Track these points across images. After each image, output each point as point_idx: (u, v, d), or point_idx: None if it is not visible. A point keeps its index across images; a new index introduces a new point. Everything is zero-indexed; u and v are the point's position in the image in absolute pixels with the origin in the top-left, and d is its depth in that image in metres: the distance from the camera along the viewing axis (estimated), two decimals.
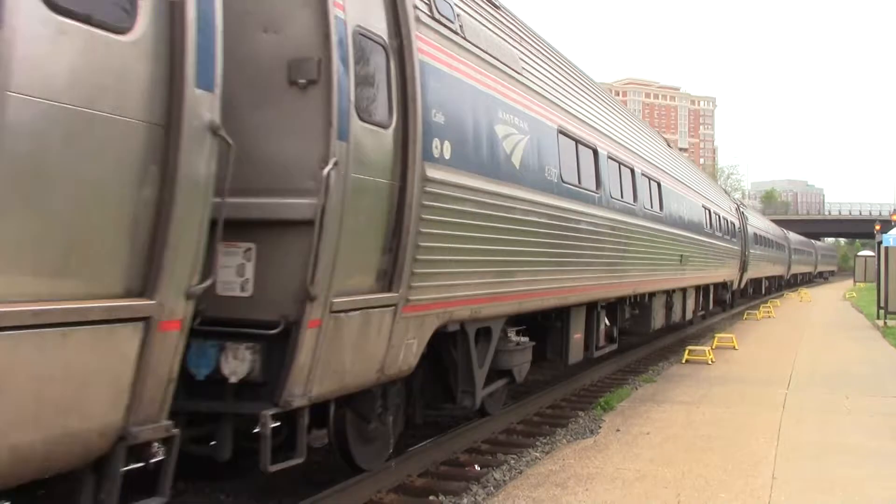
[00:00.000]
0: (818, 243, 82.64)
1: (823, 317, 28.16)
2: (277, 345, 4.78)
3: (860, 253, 68.67)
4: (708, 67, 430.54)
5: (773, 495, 6.23)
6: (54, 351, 3.18)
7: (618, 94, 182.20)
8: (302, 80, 4.89)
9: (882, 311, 24.24)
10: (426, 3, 6.13)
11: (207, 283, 3.99)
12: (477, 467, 7.30)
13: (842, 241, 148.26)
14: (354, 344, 5.26)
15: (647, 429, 8.69)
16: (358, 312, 5.24)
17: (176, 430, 3.95)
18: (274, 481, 6.74)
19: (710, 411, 9.72)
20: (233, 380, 4.77)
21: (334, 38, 4.91)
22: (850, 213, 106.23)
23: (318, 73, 4.87)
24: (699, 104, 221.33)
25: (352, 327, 5.20)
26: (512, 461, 7.46)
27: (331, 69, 4.88)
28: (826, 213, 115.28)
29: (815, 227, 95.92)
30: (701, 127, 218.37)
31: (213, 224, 4.03)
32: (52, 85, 3.14)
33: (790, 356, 15.45)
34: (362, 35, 5.28)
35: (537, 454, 7.80)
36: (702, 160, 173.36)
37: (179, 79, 3.67)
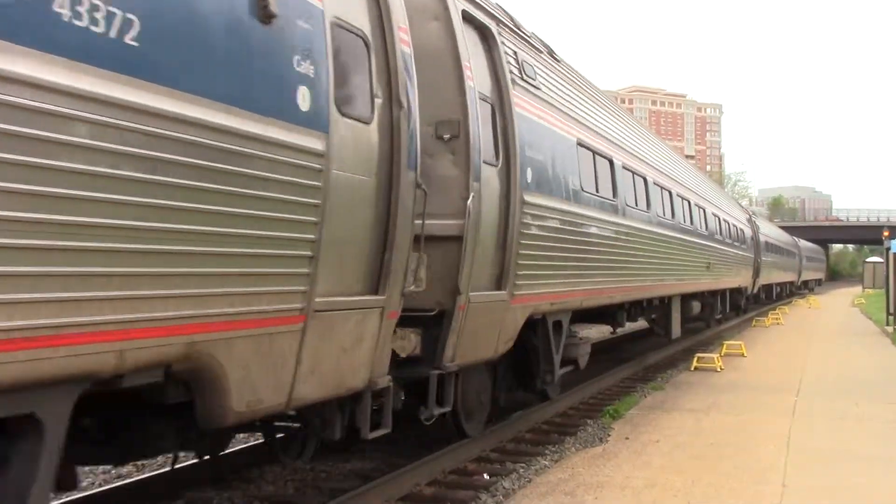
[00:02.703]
0: (803, 242, 60.62)
1: (832, 323, 28.07)
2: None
3: (868, 259, 68.04)
4: (714, 74, 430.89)
5: (784, 502, 6.21)
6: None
7: (624, 102, 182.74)
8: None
9: (892, 318, 24.16)
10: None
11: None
12: (486, 476, 7.28)
13: (850, 247, 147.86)
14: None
15: (656, 437, 8.68)
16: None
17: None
18: (283, 489, 6.76)
19: (719, 419, 9.70)
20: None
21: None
22: (858, 220, 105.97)
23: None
24: (705, 111, 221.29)
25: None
26: (521, 469, 7.44)
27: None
28: (834, 218, 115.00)
29: (822, 234, 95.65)
30: (707, 134, 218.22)
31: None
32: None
33: (799, 363, 15.40)
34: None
35: (546, 462, 7.78)
36: (708, 167, 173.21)
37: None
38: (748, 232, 27.27)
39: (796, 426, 9.19)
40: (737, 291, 25.00)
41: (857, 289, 67.05)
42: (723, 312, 23.23)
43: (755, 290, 29.83)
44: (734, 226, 23.76)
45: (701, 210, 18.06)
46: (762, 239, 31.38)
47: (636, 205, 12.14)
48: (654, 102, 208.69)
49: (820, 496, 6.41)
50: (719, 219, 20.89)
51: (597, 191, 10.09)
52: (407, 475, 6.77)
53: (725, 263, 21.19)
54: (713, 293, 20.54)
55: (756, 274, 28.37)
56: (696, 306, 18.38)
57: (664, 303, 15.12)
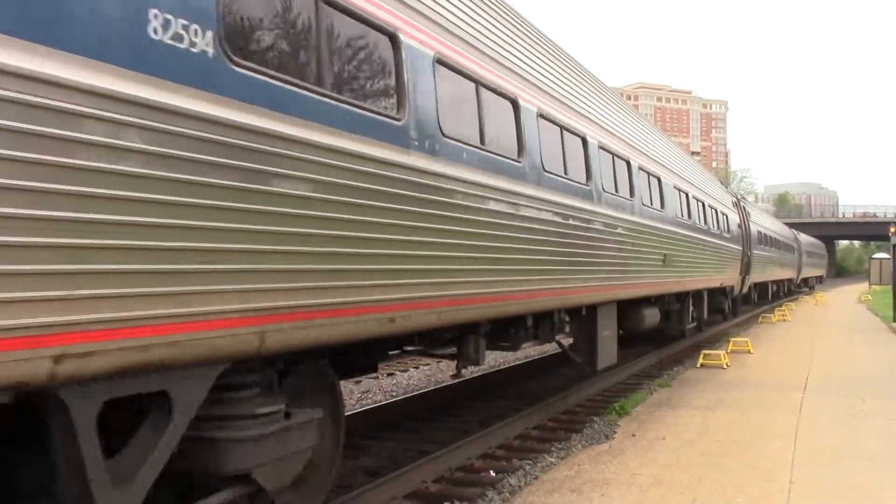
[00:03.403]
0: (803, 236, 53.99)
1: (839, 320, 27.99)
2: None
3: (875, 255, 67.77)
4: (719, 71, 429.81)
5: (791, 500, 6.19)
6: None
7: (629, 99, 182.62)
8: None
9: None
10: None
11: None
12: (492, 473, 7.30)
13: (856, 243, 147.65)
14: None
15: (662, 434, 8.67)
16: None
17: None
18: None
19: (725, 416, 9.68)
20: None
21: None
22: (865, 215, 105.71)
23: None
24: (711, 108, 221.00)
25: None
26: (527, 466, 7.45)
27: None
28: (840, 215, 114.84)
29: (829, 230, 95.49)
30: (713, 130, 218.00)
31: None
32: None
33: (806, 360, 15.36)
34: None
35: (553, 459, 7.78)
36: (714, 164, 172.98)
37: None
38: (734, 219, 21.85)
39: (803, 423, 9.16)
40: (719, 292, 20.34)
41: (864, 285, 66.85)
42: (698, 319, 18.20)
43: (744, 290, 24.34)
44: (713, 209, 18.43)
45: (653, 180, 12.82)
46: (753, 228, 26.12)
47: (482, 144, 6.70)
48: (659, 99, 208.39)
49: (827, 494, 6.39)
50: (687, 196, 15.41)
51: (339, 91, 4.87)
52: (413, 472, 6.78)
53: (698, 256, 15.91)
54: (680, 296, 15.76)
55: (745, 270, 23.32)
56: (650, 315, 12.99)
57: (583, 315, 9.81)
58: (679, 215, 14.48)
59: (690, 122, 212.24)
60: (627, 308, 12.04)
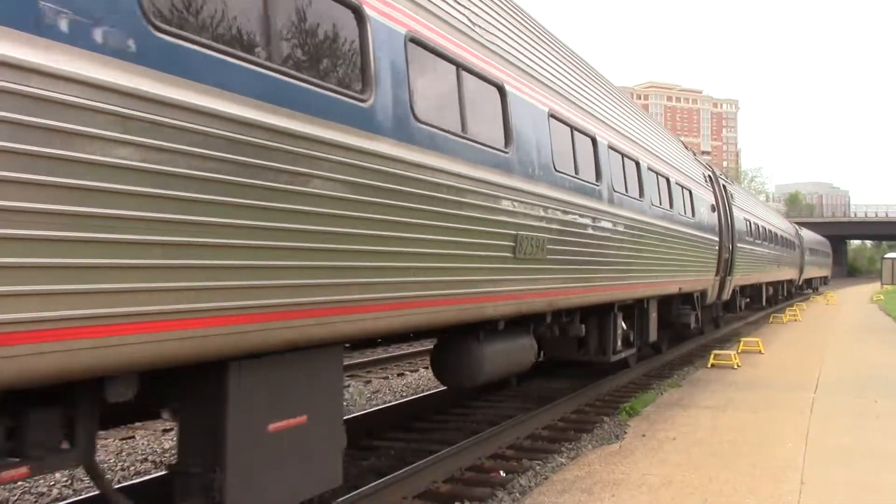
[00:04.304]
0: (806, 231, 47.68)
1: (850, 320, 27.86)
2: None
3: (887, 255, 67.48)
4: (730, 70, 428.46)
5: (802, 500, 6.17)
6: None
7: (640, 98, 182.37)
8: None
9: None
10: None
11: None
12: (502, 473, 7.30)
13: (868, 243, 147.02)
14: None
15: (672, 434, 8.65)
16: None
17: None
18: None
19: (736, 416, 9.65)
20: None
21: None
22: (877, 215, 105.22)
23: None
24: (721, 107, 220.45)
25: None
26: (537, 467, 7.45)
27: None
28: (852, 214, 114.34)
29: (840, 230, 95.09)
30: (724, 130, 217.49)
31: None
32: None
33: (817, 359, 15.30)
34: None
35: (563, 460, 7.78)
36: (725, 163, 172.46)
37: None
38: (706, 198, 15.99)
39: (814, 423, 9.13)
40: (683, 299, 14.87)
41: (876, 285, 66.58)
42: (644, 341, 12.44)
43: (724, 296, 18.47)
44: (661, 176, 12.42)
45: (484, 90, 6.61)
46: (739, 215, 19.99)
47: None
48: (669, 98, 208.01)
49: (839, 494, 6.37)
50: (594, 143, 9.20)
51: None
52: (424, 472, 6.79)
53: (622, 246, 9.93)
54: (599, 310, 10.26)
55: (726, 269, 17.62)
56: (497, 355, 7.18)
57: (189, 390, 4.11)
58: (567, 171, 8.19)
59: (701, 121, 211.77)
60: (448, 346, 7.09)
